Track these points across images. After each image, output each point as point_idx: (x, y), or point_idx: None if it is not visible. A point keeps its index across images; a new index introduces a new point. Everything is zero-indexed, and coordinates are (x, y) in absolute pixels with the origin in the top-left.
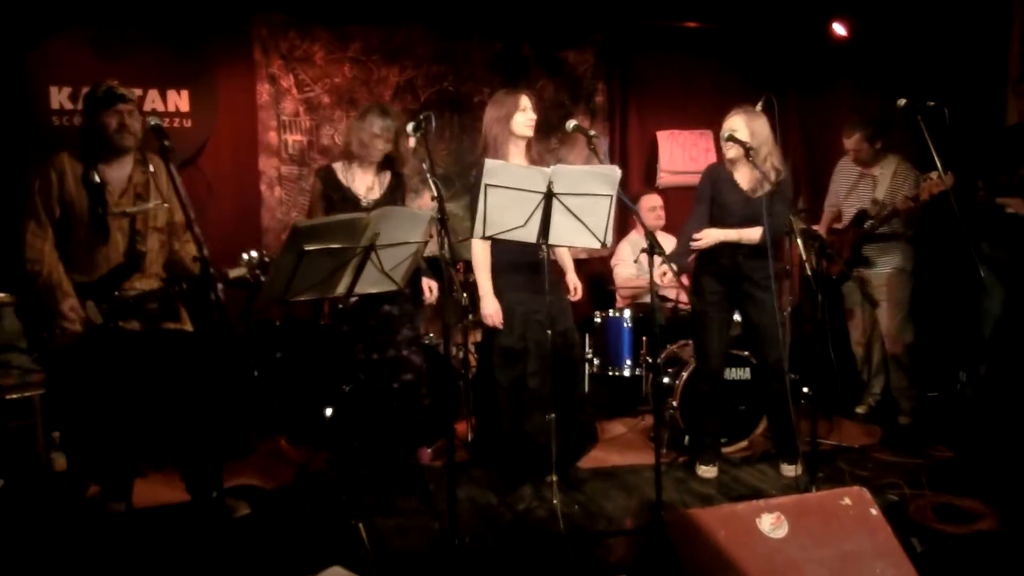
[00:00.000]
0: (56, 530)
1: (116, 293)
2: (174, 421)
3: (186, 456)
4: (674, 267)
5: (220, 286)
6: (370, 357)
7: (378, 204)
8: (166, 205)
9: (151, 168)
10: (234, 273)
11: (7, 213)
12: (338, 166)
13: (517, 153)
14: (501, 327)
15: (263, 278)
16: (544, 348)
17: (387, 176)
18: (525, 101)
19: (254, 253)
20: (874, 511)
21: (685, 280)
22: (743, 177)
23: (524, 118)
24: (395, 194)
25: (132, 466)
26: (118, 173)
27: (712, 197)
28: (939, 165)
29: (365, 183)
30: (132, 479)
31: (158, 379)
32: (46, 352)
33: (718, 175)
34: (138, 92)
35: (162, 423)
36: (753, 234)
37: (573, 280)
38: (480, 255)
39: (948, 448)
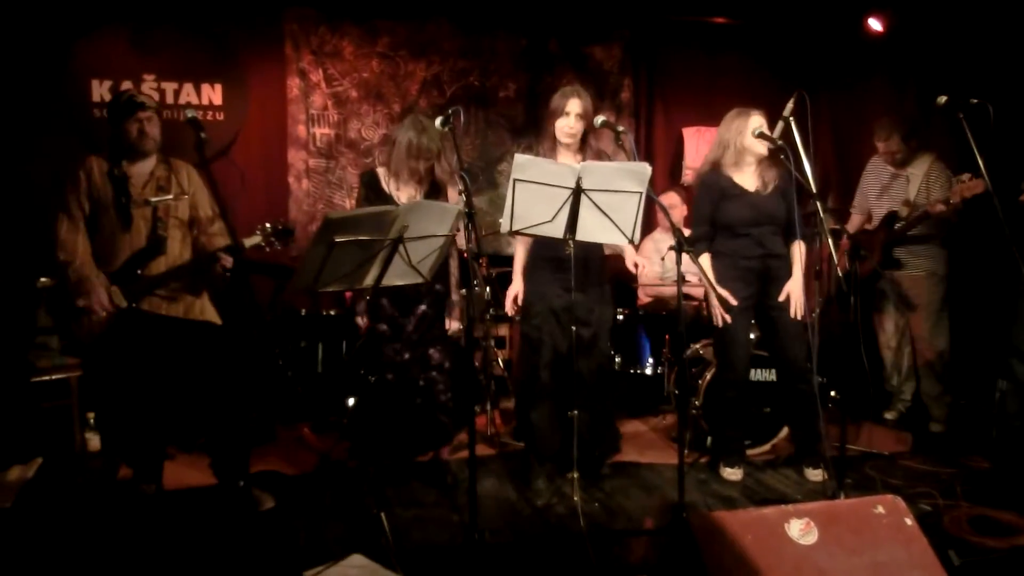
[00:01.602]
0: (89, 508)
1: (138, 272)
2: (203, 407)
3: (217, 441)
4: (705, 268)
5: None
6: (402, 356)
7: None
8: (186, 197)
9: (172, 166)
10: (249, 241)
11: (50, 203)
12: (381, 171)
13: (566, 152)
14: (510, 312)
15: (279, 245)
16: (560, 343)
17: (426, 186)
18: (573, 106)
19: (267, 223)
20: (909, 521)
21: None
22: (748, 178)
23: (565, 123)
24: (435, 193)
25: (162, 449)
26: (141, 168)
27: (714, 211)
28: (981, 165)
29: (407, 194)
30: (162, 462)
31: (186, 365)
32: (74, 341)
33: (715, 183)
34: (173, 85)
35: (192, 408)
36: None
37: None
38: (518, 243)
39: (984, 458)
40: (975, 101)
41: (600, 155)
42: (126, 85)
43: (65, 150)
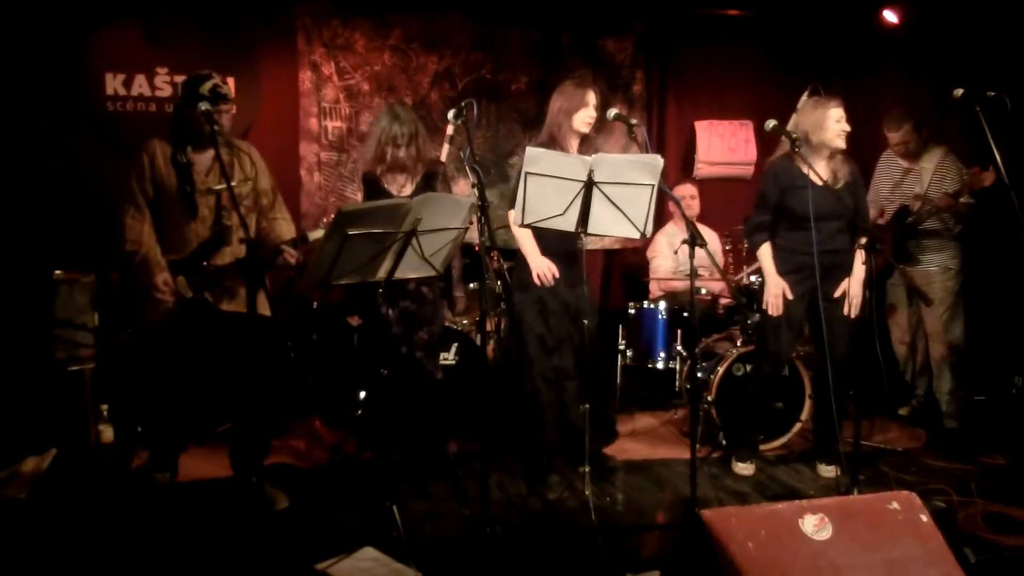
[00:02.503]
0: (103, 499)
1: (204, 264)
2: (237, 398)
3: (240, 433)
4: (766, 260)
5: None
6: (412, 352)
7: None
8: (249, 182)
9: (234, 150)
10: (313, 236)
11: (67, 195)
12: (378, 169)
13: (574, 146)
14: (554, 281)
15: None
16: (573, 339)
17: (419, 174)
18: (591, 98)
19: (324, 218)
20: (924, 517)
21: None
22: (821, 169)
23: (586, 115)
24: (429, 181)
25: (184, 438)
26: (204, 155)
27: (780, 199)
28: (998, 158)
29: (397, 182)
30: (180, 451)
31: (233, 356)
32: (140, 328)
33: (784, 170)
34: (185, 78)
35: (220, 399)
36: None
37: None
38: (522, 230)
39: (1000, 455)
40: (992, 94)
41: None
42: (139, 78)
43: (79, 143)
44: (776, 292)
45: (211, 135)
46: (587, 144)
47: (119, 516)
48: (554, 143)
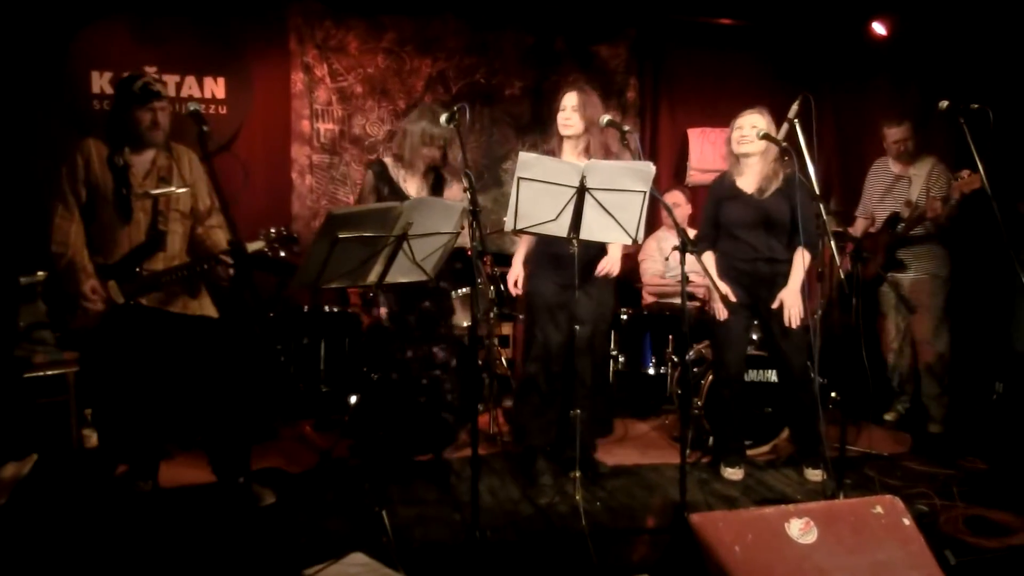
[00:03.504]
0: (85, 504)
1: (137, 270)
2: (202, 404)
3: (214, 439)
4: (708, 266)
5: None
6: (404, 354)
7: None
8: (188, 189)
9: (174, 154)
10: (252, 247)
11: (48, 197)
12: (389, 161)
13: (569, 150)
14: (518, 292)
15: (283, 252)
16: (554, 342)
17: (431, 177)
18: (565, 100)
19: (272, 229)
20: (907, 521)
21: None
22: (749, 180)
23: (561, 118)
24: (439, 187)
25: (159, 446)
26: (142, 157)
27: (717, 212)
28: (981, 169)
29: (415, 184)
30: (159, 459)
31: (183, 361)
32: (68, 334)
33: (719, 183)
34: (175, 78)
35: (189, 405)
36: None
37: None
38: (522, 238)
39: (980, 459)
40: (976, 106)
41: (607, 153)
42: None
43: (64, 142)
44: (716, 297)
45: (200, 136)
46: (589, 151)
47: (101, 522)
48: (548, 148)
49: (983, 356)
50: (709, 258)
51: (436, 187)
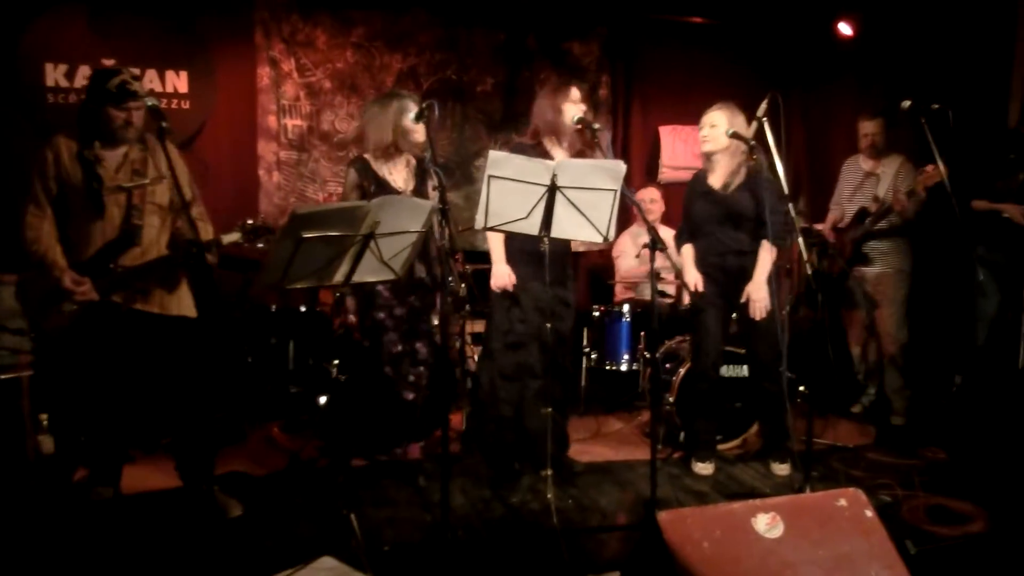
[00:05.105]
0: (41, 514)
1: (111, 266)
2: (170, 406)
3: (181, 443)
4: (677, 263)
5: (212, 259)
6: (396, 348)
7: (416, 194)
8: (164, 180)
9: (148, 146)
10: (228, 238)
11: (2, 191)
12: (369, 157)
13: (566, 144)
14: (512, 289)
15: (260, 244)
16: (544, 338)
17: (412, 162)
18: (576, 93)
19: (248, 220)
20: (869, 513)
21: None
22: (718, 177)
23: (575, 109)
24: (424, 178)
25: (122, 450)
26: (114, 152)
27: (691, 208)
28: (941, 165)
29: (401, 175)
30: (122, 463)
31: (159, 362)
32: (43, 332)
33: (695, 182)
34: (136, 71)
35: (156, 407)
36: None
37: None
38: (493, 234)
39: (941, 450)
40: (936, 106)
41: (583, 150)
42: (83, 70)
43: (16, 137)
44: (689, 280)
45: (159, 132)
46: (577, 142)
47: (59, 531)
48: (538, 148)
49: (943, 349)
50: (688, 251)
51: (422, 177)
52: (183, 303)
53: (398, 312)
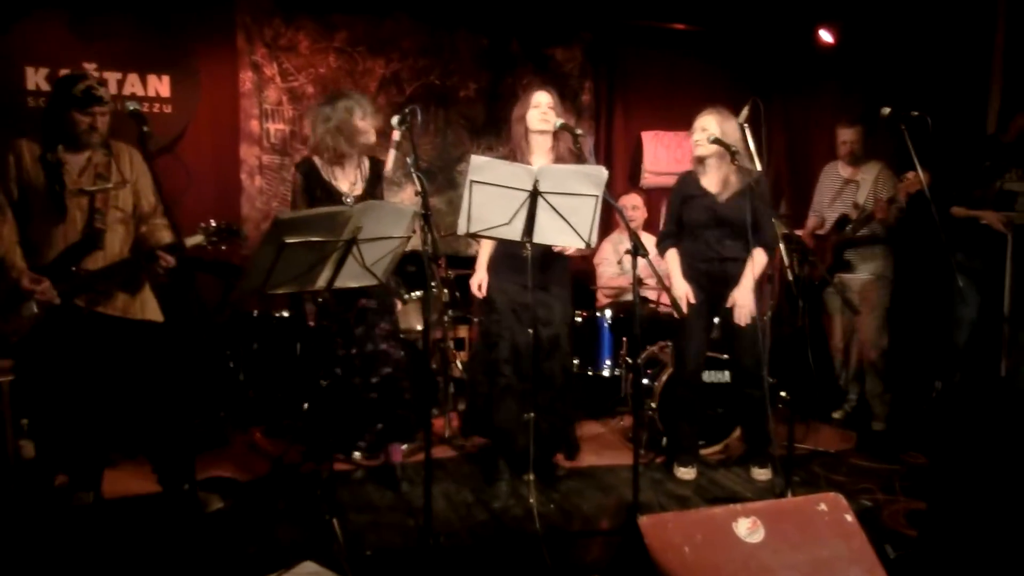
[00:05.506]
0: (22, 519)
1: (73, 269)
2: (143, 411)
3: (156, 447)
4: (660, 271)
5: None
6: (348, 352)
7: (361, 199)
8: (128, 185)
9: (112, 151)
10: (191, 241)
11: None
12: (318, 160)
13: (539, 150)
14: (482, 295)
15: (223, 246)
16: (522, 342)
17: (365, 164)
18: (538, 98)
19: (212, 221)
20: (849, 517)
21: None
22: (712, 181)
23: (537, 114)
24: (376, 182)
25: (101, 455)
26: (78, 156)
27: (681, 210)
28: (921, 172)
29: (348, 179)
30: (101, 468)
31: (125, 366)
32: (3, 336)
33: (684, 182)
34: (117, 75)
35: (131, 412)
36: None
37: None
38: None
39: (921, 454)
40: (915, 113)
41: (567, 156)
42: (65, 73)
43: None
44: (679, 295)
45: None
46: (560, 146)
47: (40, 536)
48: (517, 151)
49: (923, 355)
50: (673, 255)
51: (374, 176)
52: (147, 307)
53: (344, 316)
